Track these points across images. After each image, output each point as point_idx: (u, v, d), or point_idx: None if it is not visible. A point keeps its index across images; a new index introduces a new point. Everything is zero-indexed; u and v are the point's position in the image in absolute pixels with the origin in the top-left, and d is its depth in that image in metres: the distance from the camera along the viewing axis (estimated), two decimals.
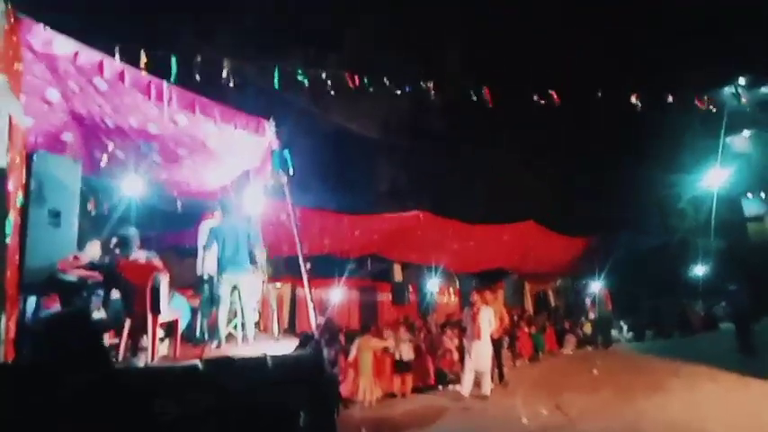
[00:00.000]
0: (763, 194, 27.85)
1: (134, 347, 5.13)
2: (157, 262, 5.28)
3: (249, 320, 6.12)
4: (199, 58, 6.74)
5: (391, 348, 9.67)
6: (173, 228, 10.31)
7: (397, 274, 17.13)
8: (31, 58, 4.86)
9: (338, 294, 14.09)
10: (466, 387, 9.03)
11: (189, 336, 6.36)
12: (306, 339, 5.85)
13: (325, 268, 13.39)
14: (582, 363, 12.80)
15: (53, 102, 5.64)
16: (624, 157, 21.98)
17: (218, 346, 5.81)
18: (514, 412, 7.95)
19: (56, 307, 4.95)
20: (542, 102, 10.27)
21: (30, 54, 4.80)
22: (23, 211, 4.84)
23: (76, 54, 4.89)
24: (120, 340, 4.95)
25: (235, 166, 6.89)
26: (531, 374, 11.41)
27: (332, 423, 5.46)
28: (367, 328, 10.29)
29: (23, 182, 4.85)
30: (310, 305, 6.01)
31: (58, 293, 4.99)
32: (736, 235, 25.05)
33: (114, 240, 5.39)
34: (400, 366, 9.56)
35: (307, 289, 6.08)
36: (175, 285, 6.18)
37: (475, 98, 9.77)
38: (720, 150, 20.46)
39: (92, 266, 5.20)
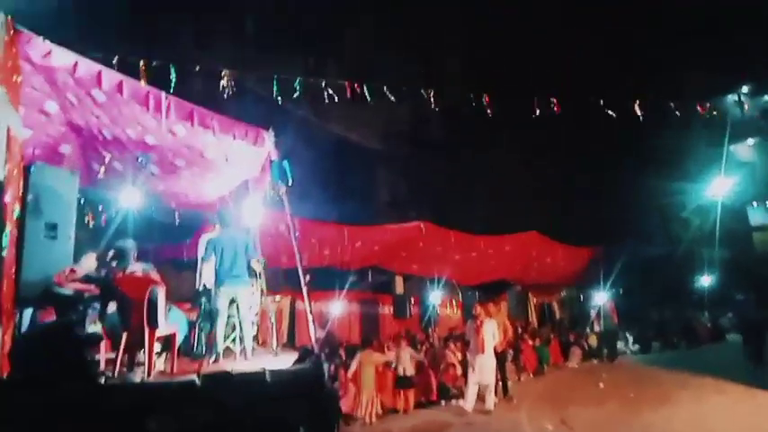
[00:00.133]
0: (767, 203, 27.71)
1: (131, 362, 5.04)
2: (155, 275, 5.19)
3: (247, 334, 6.02)
4: (198, 69, 6.71)
5: (393, 363, 9.53)
6: (171, 240, 10.27)
7: (399, 287, 17.00)
8: (29, 69, 4.85)
9: (338, 307, 13.94)
10: (469, 402, 8.89)
11: (186, 350, 6.27)
12: (305, 353, 5.76)
13: (325, 280, 13.28)
14: (587, 376, 12.63)
15: (51, 113, 5.63)
16: (628, 166, 21.91)
17: (216, 360, 5.71)
18: (519, 427, 7.83)
19: (51, 320, 4.89)
20: (545, 110, 10.24)
21: (28, 66, 4.79)
22: (20, 224, 4.80)
23: (75, 65, 4.87)
24: (116, 354, 4.86)
25: (233, 176, 6.84)
26: (535, 388, 11.25)
27: None
28: (368, 341, 10.16)
29: (20, 194, 4.81)
30: (310, 318, 5.93)
31: (54, 307, 4.92)
32: (742, 244, 24.85)
33: (111, 253, 5.31)
34: (402, 381, 9.41)
35: (306, 302, 5.99)
36: (173, 299, 6.11)
37: (476, 106, 9.75)
38: (724, 159, 20.39)
39: (88, 279, 5.13)
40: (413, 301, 16.73)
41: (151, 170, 6.34)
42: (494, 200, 20.55)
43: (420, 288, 17.48)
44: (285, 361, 5.72)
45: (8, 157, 4.37)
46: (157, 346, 5.22)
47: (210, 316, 6.01)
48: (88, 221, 7.06)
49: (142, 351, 4.93)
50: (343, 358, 10.66)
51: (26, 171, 5.06)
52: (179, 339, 5.50)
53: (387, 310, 16.22)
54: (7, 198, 4.40)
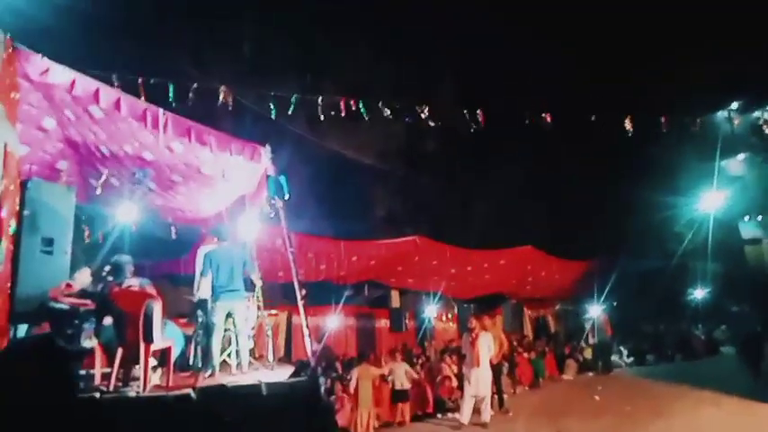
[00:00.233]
0: (759, 217, 27.93)
1: (126, 376, 5.04)
2: (151, 289, 5.20)
3: (244, 348, 6.03)
4: (195, 86, 6.79)
5: (389, 377, 9.54)
6: (167, 255, 10.28)
7: (395, 301, 17.00)
8: (27, 87, 4.91)
9: (335, 321, 13.94)
10: (465, 414, 8.88)
11: (182, 364, 6.26)
12: (301, 367, 5.78)
13: (321, 295, 13.29)
14: (583, 388, 12.63)
15: (49, 130, 5.69)
16: (622, 181, 22.08)
17: (212, 374, 5.71)
18: None
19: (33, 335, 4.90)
20: (539, 127, 10.35)
21: (26, 83, 4.86)
22: (16, 239, 4.83)
23: (73, 83, 4.93)
24: (111, 369, 4.86)
25: (230, 192, 6.89)
26: (531, 401, 11.24)
27: None
28: (365, 355, 10.17)
29: (17, 209, 4.85)
30: (306, 332, 5.94)
31: (49, 322, 4.93)
32: (734, 257, 25.00)
33: (107, 267, 5.33)
34: (397, 395, 9.41)
35: (302, 315, 6.01)
36: (170, 314, 6.12)
37: (471, 123, 9.85)
38: (716, 174, 20.61)
39: (84, 294, 5.15)
40: (409, 315, 16.75)
41: (148, 186, 6.38)
42: (489, 214, 20.64)
43: (416, 302, 17.49)
44: (281, 374, 5.73)
45: (5, 173, 4.42)
46: (153, 361, 5.22)
47: (207, 330, 6.02)
48: (85, 237, 7.08)
49: (138, 366, 4.93)
50: (340, 372, 10.65)
51: (23, 187, 5.11)
52: (175, 354, 5.50)
53: (383, 323, 16.22)
54: (3, 213, 4.45)
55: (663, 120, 11.65)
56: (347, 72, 16.66)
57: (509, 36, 20.87)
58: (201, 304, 6.36)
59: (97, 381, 5.01)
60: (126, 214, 6.87)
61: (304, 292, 6.12)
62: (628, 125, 10.94)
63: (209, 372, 5.77)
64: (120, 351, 4.84)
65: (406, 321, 16.38)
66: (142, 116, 5.27)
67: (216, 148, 5.72)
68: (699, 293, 22.30)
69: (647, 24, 23.26)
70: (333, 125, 12.61)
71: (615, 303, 19.95)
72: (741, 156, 27.82)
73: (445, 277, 15.12)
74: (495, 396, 9.87)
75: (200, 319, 6.42)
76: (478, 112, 9.92)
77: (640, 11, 22.03)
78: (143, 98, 5.84)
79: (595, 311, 18.23)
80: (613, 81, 22.53)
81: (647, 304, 20.13)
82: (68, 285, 5.19)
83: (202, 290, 6.29)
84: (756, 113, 23.32)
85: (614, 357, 16.67)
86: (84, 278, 5.33)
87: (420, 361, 12.20)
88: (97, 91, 5.07)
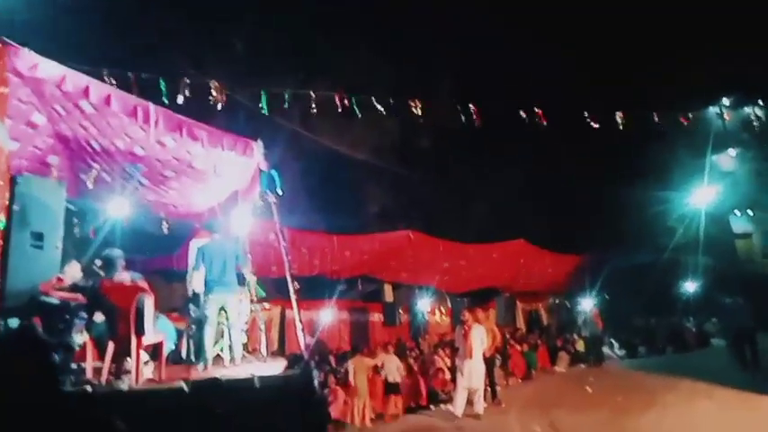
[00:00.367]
0: (750, 212, 28.18)
1: (118, 370, 5.04)
2: (142, 283, 5.20)
3: (236, 341, 6.05)
4: (187, 80, 6.77)
5: (381, 369, 9.59)
6: (160, 251, 10.26)
7: (389, 295, 17.04)
8: (16, 81, 4.88)
9: (328, 316, 13.97)
10: (458, 406, 8.94)
11: (175, 358, 6.28)
12: (295, 360, 5.79)
13: (315, 289, 13.30)
14: (575, 380, 12.72)
15: (39, 125, 5.66)
16: (614, 176, 22.20)
17: (205, 368, 5.73)
18: (507, 431, 7.88)
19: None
20: (531, 122, 10.39)
21: (15, 78, 4.82)
22: (6, 234, 4.82)
23: (63, 78, 4.90)
24: (103, 363, 4.87)
25: (223, 187, 6.89)
26: (524, 392, 11.32)
27: None
28: (358, 349, 10.22)
29: (6, 204, 4.84)
30: (299, 326, 5.97)
31: (40, 316, 4.92)
32: (725, 252, 25.23)
33: (98, 262, 5.33)
34: (390, 388, 9.46)
35: (295, 309, 6.04)
36: (163, 309, 6.13)
37: (464, 118, 9.88)
38: (707, 169, 20.77)
39: (75, 289, 5.15)
40: (402, 309, 16.81)
41: (140, 181, 6.38)
42: (482, 209, 20.70)
43: (409, 296, 17.54)
44: (274, 368, 5.75)
45: None
46: (145, 355, 5.23)
47: (199, 323, 6.03)
48: (77, 232, 7.06)
49: (129, 360, 4.94)
50: (334, 365, 10.70)
51: (12, 182, 5.10)
52: (167, 348, 5.52)
53: (376, 318, 16.27)
54: None
55: (655, 115, 11.73)
56: (341, 68, 16.63)
57: (501, 31, 20.90)
58: (194, 298, 6.37)
59: (89, 375, 5.02)
60: (117, 209, 6.87)
61: (297, 285, 6.14)
62: (620, 121, 11.01)
63: (201, 365, 5.79)
64: (111, 345, 4.85)
65: (400, 315, 16.45)
66: (133, 111, 5.25)
67: (207, 144, 5.71)
68: (690, 287, 22.50)
69: (641, 22, 23.36)
70: (326, 120, 12.60)
71: (607, 297, 20.10)
72: (732, 151, 28.08)
73: (438, 271, 15.18)
74: (488, 388, 9.95)
75: (192, 313, 6.44)
76: (472, 107, 9.96)
77: (634, 9, 22.07)
78: (132, 93, 5.83)
79: (587, 305, 18.34)
80: (606, 78, 22.62)
81: (640, 298, 20.27)
82: (59, 280, 5.19)
83: (195, 284, 6.30)
84: (747, 109, 23.51)
85: (606, 350, 16.79)
86: (74, 272, 5.33)
87: (413, 354, 12.24)
88: (87, 86, 5.04)
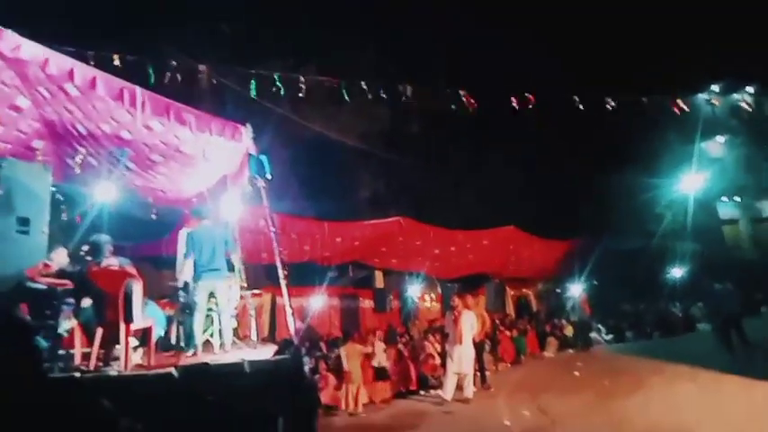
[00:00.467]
0: (737, 198, 28.49)
1: (106, 356, 5.02)
2: (130, 268, 5.16)
3: (226, 327, 6.03)
4: (174, 64, 6.68)
5: (371, 355, 9.65)
6: (149, 237, 10.18)
7: (379, 281, 17.10)
8: (0, 64, 4.78)
9: (319, 302, 13.99)
10: (448, 391, 9.01)
11: (164, 344, 6.27)
12: (285, 345, 5.79)
13: (305, 276, 13.31)
14: (564, 365, 12.88)
15: (23, 108, 5.55)
16: (604, 162, 22.31)
17: (195, 353, 5.72)
18: (497, 414, 7.97)
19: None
20: (522, 108, 10.38)
21: None
22: None
23: (46, 60, 4.80)
24: (92, 349, 4.84)
25: (211, 172, 6.82)
26: (513, 377, 11.45)
27: (311, 429, 5.39)
28: (349, 335, 10.25)
29: None
30: (289, 311, 5.95)
31: (26, 302, 4.87)
32: (712, 237, 25.53)
33: (85, 247, 5.28)
34: (377, 373, 9.53)
35: (285, 294, 6.01)
36: (152, 296, 6.08)
37: (454, 104, 9.85)
38: (696, 156, 20.94)
39: (62, 274, 5.10)
40: (393, 296, 16.88)
41: (127, 165, 6.29)
42: (472, 195, 20.75)
43: (400, 282, 17.61)
44: (264, 353, 5.75)
45: None
46: (134, 341, 5.21)
47: (189, 309, 6.01)
48: (63, 217, 6.98)
49: (118, 346, 4.91)
50: (325, 351, 10.74)
51: None
52: (156, 334, 5.49)
53: (367, 304, 16.31)
54: None
55: (644, 100, 11.75)
56: (331, 53, 16.48)
57: (492, 16, 20.81)
58: (183, 285, 6.33)
59: (77, 361, 4.99)
60: (104, 194, 6.78)
61: (286, 270, 6.12)
62: (610, 106, 11.03)
63: (191, 351, 5.78)
64: (99, 331, 4.81)
65: (390, 301, 16.51)
66: (119, 94, 5.14)
67: (195, 128, 5.62)
68: (677, 272, 22.74)
69: (632, 8, 23.36)
70: (316, 105, 12.52)
71: (596, 283, 20.30)
72: (720, 138, 28.31)
73: (429, 257, 15.23)
74: (478, 373, 10.04)
75: (182, 300, 6.41)
76: (462, 92, 9.92)
77: None
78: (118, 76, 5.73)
79: (576, 291, 18.51)
80: (597, 64, 22.65)
81: (628, 283, 20.49)
82: (46, 265, 5.13)
83: (185, 272, 6.26)
84: (736, 96, 23.68)
85: (593, 335, 16.98)
86: (60, 258, 5.27)
87: (404, 340, 12.31)
88: (72, 68, 4.94)
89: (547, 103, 10.63)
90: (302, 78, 8.03)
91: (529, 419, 7.59)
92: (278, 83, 7.69)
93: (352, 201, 18.17)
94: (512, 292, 20.11)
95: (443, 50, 21.16)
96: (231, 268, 6.51)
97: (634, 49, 24.05)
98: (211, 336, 6.37)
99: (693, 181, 20.97)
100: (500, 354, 12.96)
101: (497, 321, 14.63)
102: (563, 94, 10.84)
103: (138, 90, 5.24)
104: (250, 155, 6.05)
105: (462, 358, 9.00)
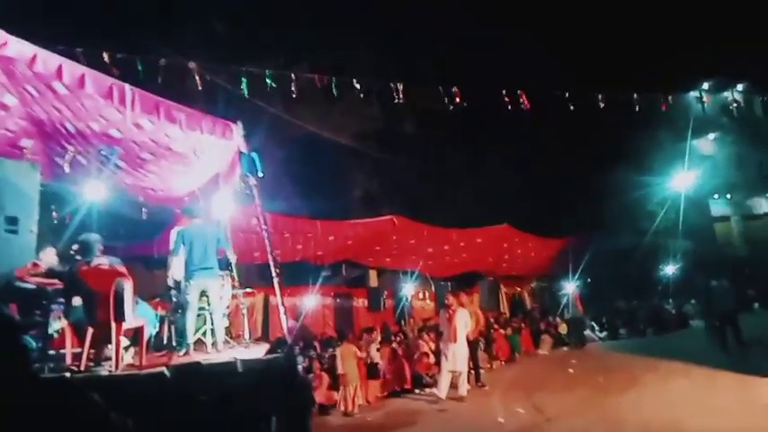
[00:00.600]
0: (728, 196, 28.69)
1: (98, 356, 4.96)
2: (121, 267, 5.09)
3: (218, 326, 5.99)
4: (163, 62, 6.61)
5: (364, 355, 9.62)
6: (140, 237, 10.10)
7: (373, 280, 17.07)
8: None
9: (312, 301, 13.92)
10: (442, 389, 9.00)
11: (156, 344, 6.21)
12: (278, 344, 5.75)
13: (298, 275, 13.25)
14: (558, 362, 12.91)
15: (10, 106, 5.48)
16: (596, 160, 22.39)
17: (187, 353, 5.67)
18: (491, 413, 7.96)
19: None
20: (514, 106, 10.37)
21: None
22: None
23: (34, 57, 4.74)
24: (82, 349, 4.78)
25: (202, 170, 6.75)
26: (507, 375, 11.46)
27: (305, 428, 5.36)
28: (343, 335, 10.22)
29: None
30: (281, 309, 5.91)
31: (15, 302, 4.81)
32: (704, 235, 25.69)
33: (75, 246, 5.21)
34: (372, 370, 9.50)
35: (278, 293, 5.97)
36: (144, 297, 6.02)
37: (447, 102, 9.83)
38: (687, 153, 21.04)
39: (52, 274, 5.04)
40: (387, 294, 16.82)
41: (117, 164, 6.22)
42: (466, 193, 20.75)
43: (394, 281, 17.57)
44: (257, 352, 5.71)
45: None
46: (125, 341, 5.16)
47: (181, 308, 5.96)
48: (53, 216, 6.91)
49: (109, 345, 4.86)
50: (318, 351, 10.69)
51: None
52: (147, 333, 5.44)
53: (361, 303, 16.26)
54: None
55: (636, 98, 11.78)
56: (324, 51, 16.43)
57: (484, 15, 20.82)
58: (175, 283, 6.28)
59: (68, 361, 4.94)
60: (94, 193, 6.71)
61: (278, 269, 6.07)
62: (600, 103, 11.05)
63: (183, 351, 5.73)
64: (90, 331, 4.76)
65: (384, 300, 16.46)
66: (108, 92, 5.07)
67: (186, 126, 5.55)
68: (670, 270, 22.87)
69: (622, 7, 23.45)
70: (309, 104, 12.47)
71: (590, 280, 20.37)
72: (711, 135, 28.49)
73: (422, 256, 15.21)
74: (472, 371, 10.04)
75: (174, 299, 6.35)
76: (455, 89, 9.90)
77: None
78: (109, 74, 5.67)
79: (570, 288, 18.55)
80: (589, 62, 22.71)
81: (621, 281, 20.59)
82: (35, 264, 5.07)
83: (176, 270, 6.21)
84: (727, 93, 23.83)
85: (587, 332, 17.03)
86: (49, 258, 5.21)
87: (398, 339, 12.28)
88: (60, 66, 4.88)
89: (539, 102, 10.63)
90: (294, 76, 7.98)
91: (523, 417, 7.58)
92: (269, 80, 7.63)
93: (346, 199, 18.14)
94: (506, 290, 20.14)
95: (437, 48, 21.16)
96: (223, 267, 6.46)
97: (625, 47, 24.11)
98: (204, 335, 6.32)
99: (685, 179, 21.10)
100: (495, 352, 12.97)
101: (492, 319, 14.63)
102: (555, 92, 10.85)
103: (128, 88, 5.17)
104: (241, 153, 6.00)
105: (457, 356, 9.00)
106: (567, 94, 10.91)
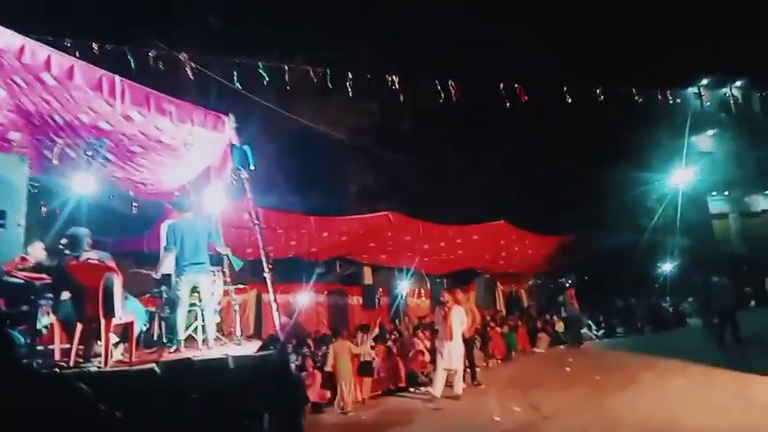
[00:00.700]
0: (726, 193, 28.71)
1: (87, 352, 4.88)
2: (110, 262, 5.02)
3: (210, 323, 5.91)
4: (154, 53, 6.51)
5: (358, 352, 9.53)
6: (130, 232, 9.98)
7: (368, 277, 16.98)
8: None
9: (306, 298, 13.80)
10: (438, 387, 8.91)
11: (146, 340, 6.13)
12: (271, 341, 5.68)
13: (292, 272, 13.14)
14: (555, 360, 12.85)
15: None
16: (595, 157, 22.36)
17: (177, 349, 5.58)
18: (487, 411, 7.89)
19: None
20: (513, 102, 10.32)
21: None
22: None
23: (22, 48, 4.64)
24: (71, 345, 4.70)
25: (193, 163, 6.66)
26: (504, 373, 11.39)
27: (298, 426, 5.29)
28: (337, 332, 10.12)
29: None
30: (274, 306, 5.82)
31: (3, 297, 4.73)
32: (702, 232, 25.70)
33: (64, 240, 5.12)
34: (363, 367, 9.41)
35: (270, 289, 5.88)
36: (134, 293, 5.94)
37: (444, 98, 9.76)
38: (685, 150, 21.04)
39: (40, 268, 4.96)
40: (381, 292, 16.69)
41: (106, 157, 6.13)
42: (462, 190, 20.68)
43: (389, 278, 17.46)
44: (249, 349, 5.63)
45: None
46: (114, 337, 5.08)
47: (172, 304, 5.87)
48: (41, 210, 6.81)
49: (99, 341, 4.78)
50: (312, 348, 10.60)
51: None
52: (137, 329, 5.36)
53: (355, 300, 16.13)
54: None
55: (635, 95, 11.74)
56: (319, 46, 16.32)
57: (482, 10, 20.74)
58: (165, 279, 6.19)
59: (57, 357, 4.87)
60: (83, 186, 6.59)
61: (271, 266, 5.99)
62: (599, 98, 11.00)
63: (174, 347, 5.65)
64: (79, 326, 4.69)
65: (379, 298, 16.34)
66: (97, 84, 4.98)
67: (176, 118, 5.46)
68: (667, 267, 22.87)
69: (621, 4, 23.41)
70: (304, 97, 12.36)
71: (587, 278, 20.33)
72: (710, 132, 28.51)
73: (418, 253, 15.09)
74: (468, 369, 9.96)
75: (164, 295, 6.27)
76: (452, 86, 9.83)
77: None
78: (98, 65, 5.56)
79: (567, 286, 18.49)
80: (588, 59, 22.67)
81: (619, 278, 20.56)
82: (23, 259, 4.99)
83: (166, 265, 6.12)
84: (725, 90, 23.83)
85: (584, 330, 16.98)
86: (37, 252, 5.12)
87: (393, 337, 12.20)
88: (49, 57, 4.78)
89: (537, 99, 10.59)
90: (287, 68, 7.89)
91: (520, 416, 7.52)
92: (262, 72, 7.54)
93: (341, 196, 18.04)
94: (502, 288, 20.05)
95: (435, 43, 21.06)
96: (215, 262, 6.38)
97: (624, 44, 24.08)
98: (195, 331, 6.23)
99: (683, 176, 21.09)
100: (491, 350, 12.90)
101: (488, 317, 14.57)
102: (554, 89, 10.80)
103: (117, 79, 5.08)
104: (233, 146, 5.90)
105: (452, 354, 8.91)
106: (565, 91, 10.88)
